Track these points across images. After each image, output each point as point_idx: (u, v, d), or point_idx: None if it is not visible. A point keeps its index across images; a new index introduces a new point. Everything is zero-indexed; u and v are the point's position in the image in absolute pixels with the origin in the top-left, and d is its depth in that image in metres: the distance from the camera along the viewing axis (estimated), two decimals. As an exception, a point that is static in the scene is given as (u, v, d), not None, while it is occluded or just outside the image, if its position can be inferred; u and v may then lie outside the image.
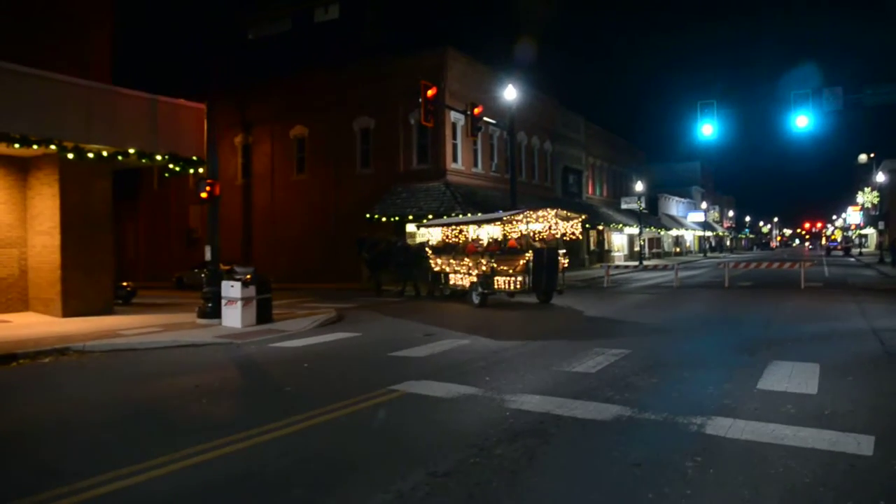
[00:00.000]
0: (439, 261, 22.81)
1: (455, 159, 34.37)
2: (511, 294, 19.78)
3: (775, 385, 8.36)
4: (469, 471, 5.47)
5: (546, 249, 20.37)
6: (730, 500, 4.80)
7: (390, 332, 14.68)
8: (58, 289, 17.65)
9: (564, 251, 21.33)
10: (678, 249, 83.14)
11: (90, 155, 17.01)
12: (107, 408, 8.17)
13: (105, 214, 18.66)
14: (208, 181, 16.85)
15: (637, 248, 59.65)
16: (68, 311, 17.56)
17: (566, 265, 21.33)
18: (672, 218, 77.18)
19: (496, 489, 5.09)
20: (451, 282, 22.23)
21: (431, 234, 24.23)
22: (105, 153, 17.31)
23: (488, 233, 21.61)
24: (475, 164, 36.45)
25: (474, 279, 20.33)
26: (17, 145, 15.54)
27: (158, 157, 18.27)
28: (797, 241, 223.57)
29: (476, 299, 20.14)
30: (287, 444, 6.37)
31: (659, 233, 70.16)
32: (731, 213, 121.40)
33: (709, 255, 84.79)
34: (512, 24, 42.39)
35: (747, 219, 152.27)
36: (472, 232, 22.56)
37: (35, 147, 15.98)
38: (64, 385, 9.83)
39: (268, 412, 7.54)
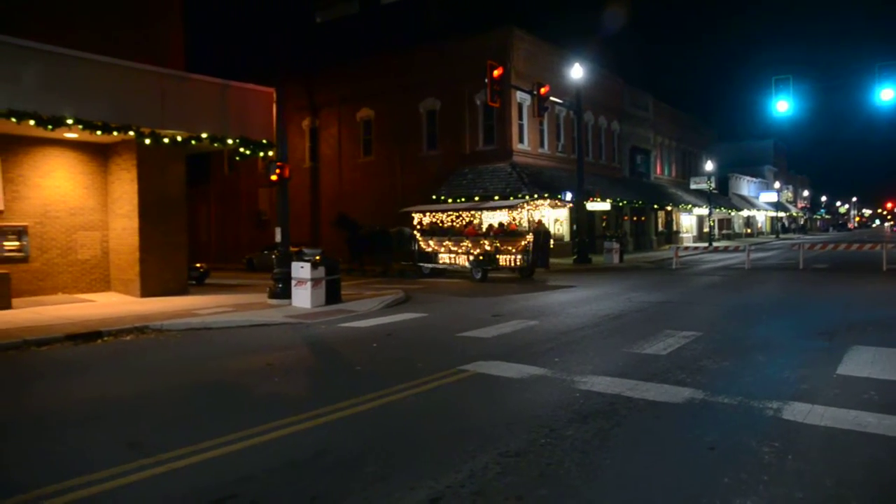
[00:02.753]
0: (431, 242, 25.31)
1: (521, 140, 34.15)
2: (513, 270, 22.96)
3: (856, 370, 8.07)
4: (540, 451, 5.46)
5: (541, 233, 23.16)
6: (811, 490, 4.66)
7: (457, 313, 14.74)
8: (136, 270, 18.29)
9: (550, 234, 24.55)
10: (749, 231, 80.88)
11: (165, 140, 17.52)
12: (184, 385, 8.45)
13: (179, 198, 19.21)
14: (278, 164, 17.16)
15: (706, 230, 58.28)
16: (146, 291, 18.20)
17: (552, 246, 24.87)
18: (743, 198, 75.08)
19: (568, 469, 5.07)
20: (442, 261, 24.98)
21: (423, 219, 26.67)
22: (179, 138, 17.80)
23: (485, 218, 24.53)
24: (541, 145, 36.13)
25: (473, 258, 23.27)
26: (98, 132, 16.15)
27: (230, 141, 18.69)
28: (877, 222, 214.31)
29: (477, 275, 22.88)
30: (358, 423, 6.48)
31: (729, 213, 68.36)
32: (805, 193, 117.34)
33: (781, 236, 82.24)
34: (579, 1, 41.69)
35: (823, 199, 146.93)
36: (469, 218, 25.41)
37: (115, 133, 16.56)
38: (144, 362, 10.21)
39: (338, 391, 7.67)
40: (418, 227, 26.24)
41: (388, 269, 27.72)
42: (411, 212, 27.16)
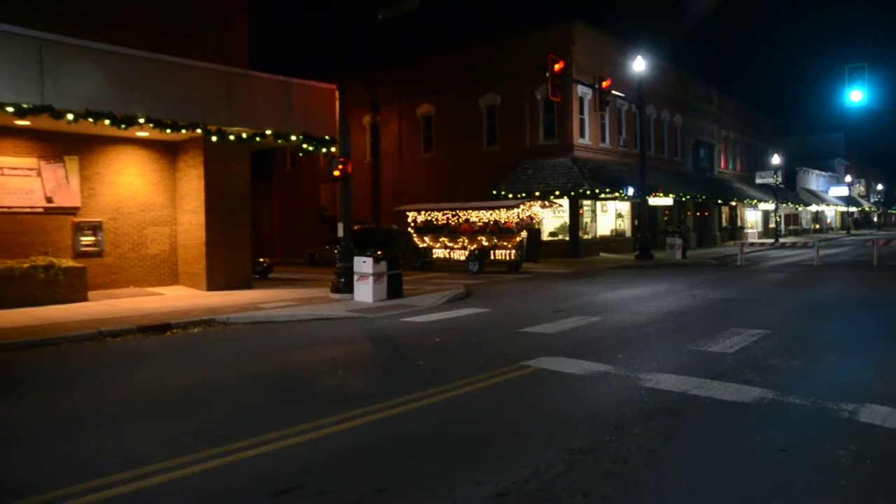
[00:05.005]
0: (426, 238, 27.10)
1: (582, 134, 33.79)
2: (510, 264, 24.63)
3: (937, 371, 7.76)
4: (605, 448, 5.41)
5: (533, 230, 24.89)
6: (891, 495, 4.50)
7: (519, 308, 14.70)
8: (203, 264, 18.75)
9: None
10: (817, 226, 78.40)
11: (231, 137, 17.89)
12: (249, 376, 8.64)
13: (244, 194, 19.61)
14: (340, 160, 17.35)
15: (772, 225, 56.73)
16: (212, 285, 18.64)
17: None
18: (811, 193, 72.78)
19: (634, 468, 5.01)
20: (436, 255, 26.79)
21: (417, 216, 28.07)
22: (244, 135, 18.16)
23: (479, 216, 25.86)
24: (602, 139, 35.70)
25: (470, 252, 25.18)
26: (168, 130, 16.61)
27: (293, 138, 18.97)
28: None
29: (473, 268, 24.71)
30: (422, 417, 6.52)
31: (796, 209, 66.39)
32: (879, 187, 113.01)
33: (853, 232, 79.45)
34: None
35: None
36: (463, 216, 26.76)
37: (183, 132, 17.01)
38: (211, 354, 10.48)
39: (402, 385, 7.74)
40: (412, 224, 27.80)
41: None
42: (406, 210, 28.42)
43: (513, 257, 24.44)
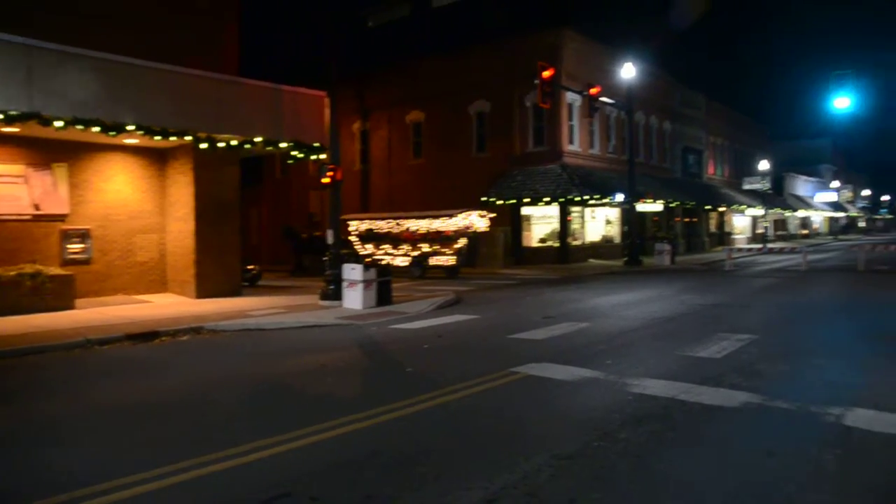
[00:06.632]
0: (368, 246, 28.76)
1: (571, 141, 33.91)
2: (448, 269, 26.14)
3: (922, 375, 7.84)
4: (593, 454, 5.45)
5: (471, 237, 26.38)
6: (875, 499, 4.55)
7: (508, 314, 14.74)
8: (192, 272, 18.71)
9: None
10: (805, 231, 78.81)
11: (221, 144, 17.88)
12: (240, 384, 8.63)
13: (234, 201, 19.59)
14: (330, 167, 17.38)
15: (760, 231, 57.03)
16: (201, 292, 18.59)
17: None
18: (798, 198, 73.21)
19: (622, 473, 5.05)
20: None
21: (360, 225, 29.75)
22: (234, 142, 18.14)
23: (419, 224, 27.37)
24: (592, 146, 35.84)
25: (413, 258, 26.94)
26: (157, 137, 16.59)
27: (283, 145, 18.98)
28: None
29: (416, 272, 26.48)
30: (411, 424, 6.54)
31: (784, 214, 66.76)
32: (865, 192, 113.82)
33: (840, 237, 79.97)
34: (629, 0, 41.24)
35: (885, 198, 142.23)
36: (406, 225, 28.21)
37: (172, 139, 17.00)
38: (201, 361, 10.46)
39: (391, 392, 7.75)
40: (355, 232, 29.39)
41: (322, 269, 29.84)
42: (348, 220, 29.27)
43: (452, 262, 26.05)
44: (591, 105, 27.55)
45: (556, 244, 33.10)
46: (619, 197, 31.23)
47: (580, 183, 31.16)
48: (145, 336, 12.27)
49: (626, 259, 30.71)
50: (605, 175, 34.88)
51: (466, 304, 16.93)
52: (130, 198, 19.24)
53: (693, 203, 43.73)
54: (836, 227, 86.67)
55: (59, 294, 15.77)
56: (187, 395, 8.00)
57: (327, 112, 17.99)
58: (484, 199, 32.31)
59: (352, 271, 16.14)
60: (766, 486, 4.77)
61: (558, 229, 33.03)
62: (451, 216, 26.24)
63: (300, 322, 14.01)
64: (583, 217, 35.35)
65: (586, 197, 30.72)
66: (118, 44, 16.07)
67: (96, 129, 15.16)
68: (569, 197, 30.41)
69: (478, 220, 26.47)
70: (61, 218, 17.78)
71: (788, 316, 13.72)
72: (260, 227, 47.86)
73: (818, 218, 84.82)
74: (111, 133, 15.57)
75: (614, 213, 37.76)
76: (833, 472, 4.99)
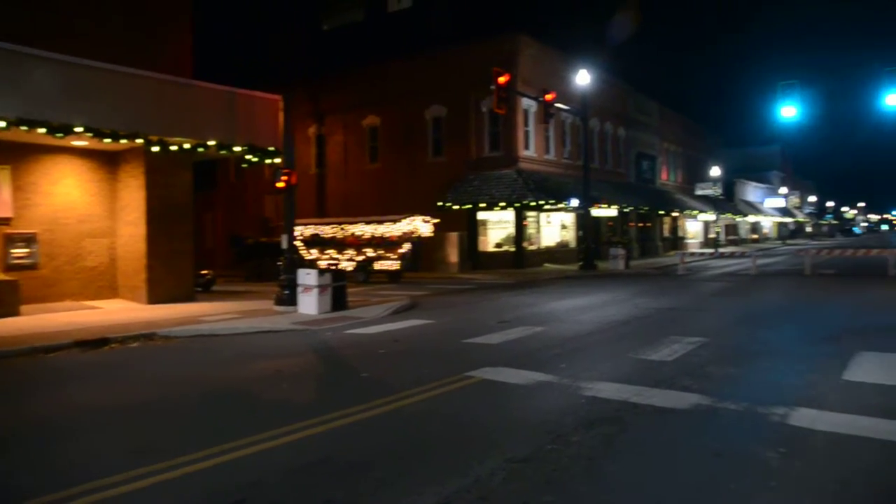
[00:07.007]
0: (314, 251, 28.60)
1: (527, 146, 34.17)
2: (391, 274, 26.39)
3: (863, 376, 8.07)
4: (546, 457, 5.49)
5: (415, 242, 26.48)
6: (818, 495, 4.68)
7: (464, 319, 14.77)
8: (143, 277, 18.37)
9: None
10: (755, 236, 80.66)
11: (173, 147, 17.60)
12: (192, 391, 8.50)
13: (187, 205, 19.31)
14: (285, 171, 17.24)
15: (712, 235, 58.21)
16: (153, 298, 18.27)
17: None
18: (749, 204, 74.91)
19: (574, 476, 5.10)
20: (322, 266, 26.65)
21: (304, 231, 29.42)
22: (187, 145, 17.88)
23: (364, 229, 27.53)
24: (547, 151, 36.16)
25: (357, 263, 27.04)
26: (107, 140, 16.26)
27: (237, 149, 18.77)
28: (885, 227, 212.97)
29: (361, 277, 26.50)
30: (366, 429, 6.52)
31: (735, 219, 68.24)
32: (812, 199, 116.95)
33: (788, 242, 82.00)
34: (585, 7, 41.75)
35: (830, 204, 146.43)
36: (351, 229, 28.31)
37: (123, 141, 16.67)
38: (151, 368, 10.27)
39: (346, 397, 7.71)
40: (300, 237, 28.88)
41: (266, 274, 29.46)
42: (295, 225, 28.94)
43: (396, 267, 26.29)
44: (546, 111, 27.80)
45: (513, 249, 33.30)
46: (574, 202, 31.55)
47: (535, 188, 31.41)
48: (94, 343, 12.01)
49: (581, 263, 31.03)
50: (561, 180, 35.21)
51: (422, 309, 16.92)
52: (79, 201, 18.83)
53: (647, 208, 44.42)
54: (784, 232, 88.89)
55: (3, 301, 15.37)
56: (137, 403, 7.85)
57: (282, 116, 17.85)
58: (440, 203, 32.35)
59: (307, 276, 16.02)
60: (712, 486, 4.86)
61: (514, 234, 33.24)
62: (395, 221, 26.48)
63: (255, 327, 13.86)
64: (538, 222, 35.64)
65: (542, 202, 30.97)
66: (68, 45, 15.73)
67: (42, 130, 14.80)
68: (524, 202, 30.63)
69: (422, 226, 26.69)
70: (5, 221, 17.34)
71: (738, 319, 14.01)
72: (214, 231, 47.21)
73: (768, 223, 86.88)
74: (58, 135, 15.22)
75: (570, 218, 38.13)
76: (778, 470, 5.11)
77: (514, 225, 33.13)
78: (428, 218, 27.50)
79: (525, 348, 10.71)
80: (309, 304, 15.90)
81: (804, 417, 6.41)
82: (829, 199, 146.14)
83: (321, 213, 40.04)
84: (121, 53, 16.92)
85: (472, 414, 7.02)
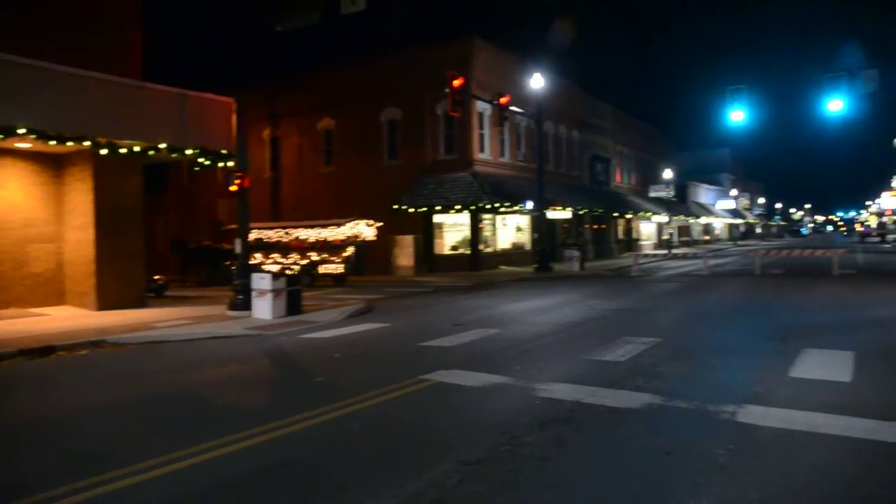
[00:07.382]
0: (258, 255, 28.22)
1: (482, 149, 34.32)
2: (335, 277, 26.51)
3: (808, 373, 8.29)
4: (500, 459, 5.51)
5: (359, 245, 26.93)
6: (764, 490, 4.78)
7: (419, 322, 14.76)
8: (92, 282, 17.95)
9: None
10: (707, 238, 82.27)
11: (122, 150, 17.24)
12: (142, 398, 8.33)
13: (137, 209, 18.93)
14: (238, 174, 17.02)
15: (666, 237, 59.22)
16: (103, 304, 17.86)
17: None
18: (701, 206, 76.39)
19: (527, 476, 5.13)
20: (267, 271, 28.17)
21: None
22: (137, 148, 17.52)
23: (308, 233, 27.79)
24: (502, 154, 36.37)
25: (302, 267, 26.85)
26: (52, 142, 15.80)
27: (188, 152, 18.45)
28: (830, 228, 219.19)
29: (307, 281, 24.85)
30: (321, 433, 6.47)
31: (688, 221, 69.52)
32: (761, 200, 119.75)
33: (738, 242, 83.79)
34: (539, 11, 42.13)
35: (778, 206, 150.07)
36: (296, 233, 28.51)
37: (69, 144, 16.23)
38: (101, 376, 10.04)
39: (300, 402, 7.64)
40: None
41: (210, 278, 29.61)
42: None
43: (341, 271, 26.63)
44: (501, 114, 27.97)
45: (468, 251, 33.39)
46: (530, 204, 31.78)
47: (491, 191, 31.56)
48: (40, 351, 11.67)
49: (536, 266, 31.25)
50: (516, 183, 35.44)
51: (378, 313, 16.87)
52: (24, 205, 18.32)
53: (601, 210, 44.96)
54: (735, 233, 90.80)
55: (-56, 308, 14.87)
56: (85, 411, 7.67)
57: (235, 118, 17.62)
58: (396, 206, 32.31)
59: (261, 280, 15.84)
60: (661, 484, 4.94)
61: (470, 237, 33.34)
62: (339, 225, 26.64)
63: (208, 333, 13.65)
64: (494, 224, 35.81)
65: (497, 204, 31.14)
66: (11, 44, 15.25)
67: (-18, 132, 14.36)
68: (480, 205, 30.77)
69: (365, 229, 26.85)
70: (-54, 227, 16.78)
71: (690, 319, 14.27)
72: (167, 235, 46.29)
73: (719, 224, 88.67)
74: None
75: (525, 221, 38.38)
76: (725, 466, 5.21)
77: (469, 227, 33.23)
78: (371, 221, 27.68)
79: (481, 350, 10.75)
80: (263, 308, 15.72)
81: (752, 414, 6.56)
82: (778, 201, 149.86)
83: (276, 216, 39.61)
84: (69, 53, 16.47)
85: (427, 417, 7.02)
